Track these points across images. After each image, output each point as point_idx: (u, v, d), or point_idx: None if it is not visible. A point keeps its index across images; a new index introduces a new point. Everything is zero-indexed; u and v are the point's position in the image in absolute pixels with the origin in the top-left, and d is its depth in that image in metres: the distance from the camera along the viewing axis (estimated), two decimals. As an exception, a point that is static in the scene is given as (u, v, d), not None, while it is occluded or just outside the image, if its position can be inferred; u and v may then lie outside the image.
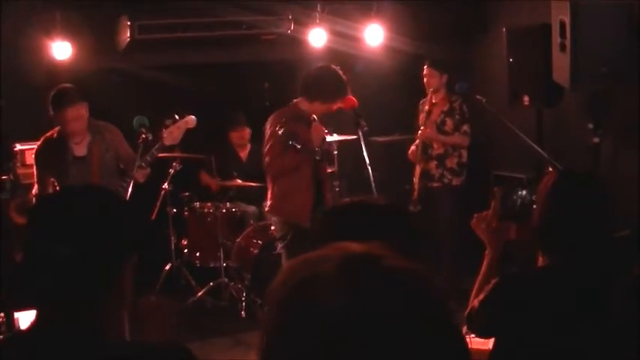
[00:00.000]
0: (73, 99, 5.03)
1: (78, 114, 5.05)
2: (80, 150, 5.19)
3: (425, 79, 6.38)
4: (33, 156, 5.32)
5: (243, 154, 7.15)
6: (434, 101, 6.38)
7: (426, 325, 1.00)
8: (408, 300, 1.00)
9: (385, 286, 1.00)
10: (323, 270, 1.02)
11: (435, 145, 6.36)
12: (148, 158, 5.05)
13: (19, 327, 4.46)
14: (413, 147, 6.48)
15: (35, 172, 5.28)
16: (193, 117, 5.20)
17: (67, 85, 5.17)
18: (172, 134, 5.11)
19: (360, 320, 0.97)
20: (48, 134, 5.25)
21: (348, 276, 1.01)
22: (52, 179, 5.20)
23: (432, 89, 6.35)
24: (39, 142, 5.27)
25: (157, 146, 5.08)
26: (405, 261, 1.06)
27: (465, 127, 6.32)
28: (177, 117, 5.16)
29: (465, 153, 6.38)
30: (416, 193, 6.42)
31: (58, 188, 5.16)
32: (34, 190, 5.28)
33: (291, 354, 1.01)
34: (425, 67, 6.38)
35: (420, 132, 6.35)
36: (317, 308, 0.99)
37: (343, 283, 1.00)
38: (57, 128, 5.18)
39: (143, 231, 2.17)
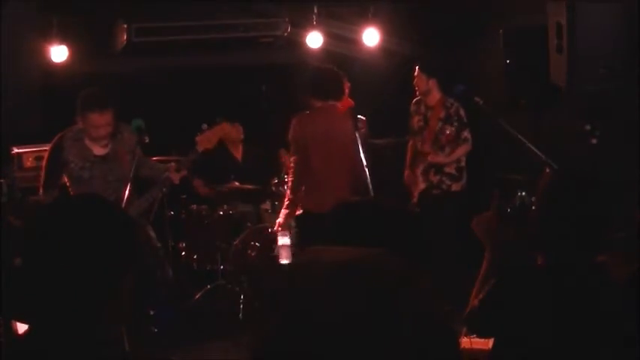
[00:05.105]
0: (104, 104, 4.95)
1: (107, 120, 4.98)
2: (101, 150, 5.15)
3: (414, 81, 6.34)
4: (49, 150, 5.20)
5: (238, 154, 7.05)
6: (429, 104, 6.33)
7: (415, 328, 1.05)
8: (395, 301, 1.05)
9: (374, 290, 1.06)
10: (315, 275, 1.08)
11: (431, 156, 6.28)
12: (185, 162, 5.16)
13: (16, 331, 4.44)
14: (407, 172, 6.47)
15: (45, 169, 5.17)
16: (229, 124, 5.25)
17: (96, 88, 5.07)
18: (209, 139, 5.14)
19: (348, 322, 1.02)
20: (66, 131, 5.16)
21: (338, 280, 1.06)
22: (65, 177, 5.14)
23: (419, 91, 6.32)
24: (56, 138, 5.17)
25: (192, 151, 5.12)
26: (393, 263, 1.11)
27: (465, 134, 6.23)
28: (214, 122, 5.22)
29: (463, 157, 6.31)
30: (415, 196, 6.38)
31: (69, 185, 5.15)
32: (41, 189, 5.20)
33: (286, 355, 1.05)
34: (416, 69, 6.35)
35: (429, 157, 6.23)
36: (309, 312, 1.04)
37: (334, 287, 1.06)
38: (75, 127, 5.10)
39: (139, 244, 2.16)
